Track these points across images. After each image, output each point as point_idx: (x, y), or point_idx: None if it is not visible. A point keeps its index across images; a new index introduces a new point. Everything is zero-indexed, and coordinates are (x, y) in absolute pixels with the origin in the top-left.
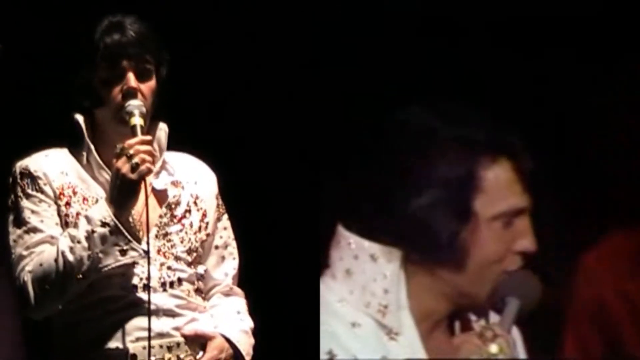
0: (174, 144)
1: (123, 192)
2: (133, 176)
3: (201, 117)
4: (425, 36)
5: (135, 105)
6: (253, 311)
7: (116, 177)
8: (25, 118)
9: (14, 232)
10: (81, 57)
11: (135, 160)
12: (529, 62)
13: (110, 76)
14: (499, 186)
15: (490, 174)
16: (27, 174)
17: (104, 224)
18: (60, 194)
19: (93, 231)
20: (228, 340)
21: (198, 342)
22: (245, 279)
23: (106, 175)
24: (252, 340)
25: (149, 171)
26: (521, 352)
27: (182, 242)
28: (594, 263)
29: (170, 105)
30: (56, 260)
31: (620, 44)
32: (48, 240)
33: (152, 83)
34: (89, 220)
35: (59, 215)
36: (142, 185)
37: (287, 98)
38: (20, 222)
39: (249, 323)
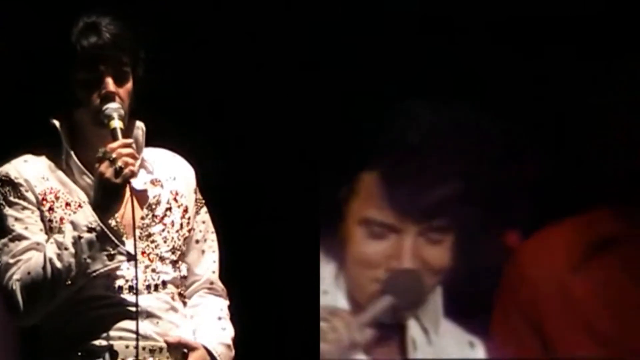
0: (171, 144)
1: (107, 197)
2: (117, 180)
3: (201, 116)
4: (424, 35)
5: (114, 108)
6: (250, 310)
7: (99, 181)
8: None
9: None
10: (57, 59)
11: (119, 164)
12: (529, 62)
13: (87, 79)
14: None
15: (366, 177)
16: (7, 181)
17: (90, 230)
18: (43, 199)
19: (80, 237)
20: (210, 353)
21: (180, 349)
22: (245, 279)
23: (87, 180)
24: (232, 354)
25: (133, 174)
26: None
27: (165, 241)
28: (528, 255)
29: (169, 104)
30: (44, 268)
31: (620, 44)
32: (34, 247)
33: (129, 85)
34: (74, 226)
35: (43, 220)
36: (126, 189)
37: (286, 97)
38: (4, 230)
39: (230, 333)
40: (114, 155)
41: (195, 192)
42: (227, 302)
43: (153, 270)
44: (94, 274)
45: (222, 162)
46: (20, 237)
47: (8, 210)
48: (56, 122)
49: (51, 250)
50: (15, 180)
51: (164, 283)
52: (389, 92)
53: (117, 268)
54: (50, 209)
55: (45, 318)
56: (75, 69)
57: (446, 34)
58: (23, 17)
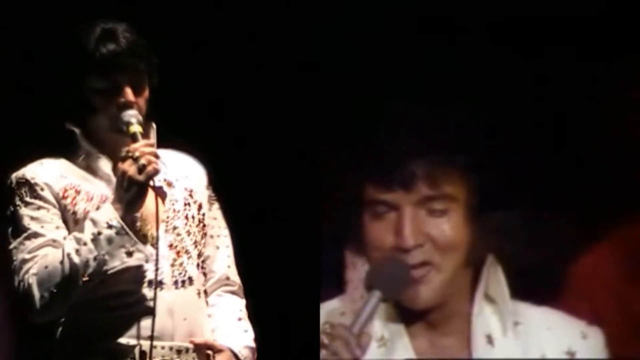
0: (171, 144)
1: (131, 194)
2: (140, 177)
3: (200, 116)
4: (424, 35)
5: (132, 114)
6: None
7: (122, 179)
8: (17, 127)
9: (14, 240)
10: (74, 66)
11: (142, 161)
12: (529, 62)
13: (105, 87)
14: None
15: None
16: (23, 183)
17: (110, 226)
18: (63, 196)
19: (99, 233)
20: (236, 356)
21: (204, 351)
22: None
23: (109, 175)
24: (255, 357)
25: (156, 172)
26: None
27: (188, 235)
28: (585, 270)
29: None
30: (62, 263)
31: (620, 44)
32: (50, 243)
33: (146, 93)
34: (94, 222)
35: (65, 216)
36: (148, 188)
37: (286, 97)
38: (20, 229)
39: (251, 335)
40: (137, 154)
41: (208, 189)
42: (244, 301)
43: (180, 265)
44: (112, 271)
45: (222, 161)
46: (36, 235)
47: (24, 210)
48: (75, 129)
49: (70, 246)
50: (32, 181)
51: (191, 279)
52: (389, 92)
53: (136, 267)
54: (73, 202)
55: (64, 314)
56: (92, 76)
57: (446, 34)
58: (34, 19)
